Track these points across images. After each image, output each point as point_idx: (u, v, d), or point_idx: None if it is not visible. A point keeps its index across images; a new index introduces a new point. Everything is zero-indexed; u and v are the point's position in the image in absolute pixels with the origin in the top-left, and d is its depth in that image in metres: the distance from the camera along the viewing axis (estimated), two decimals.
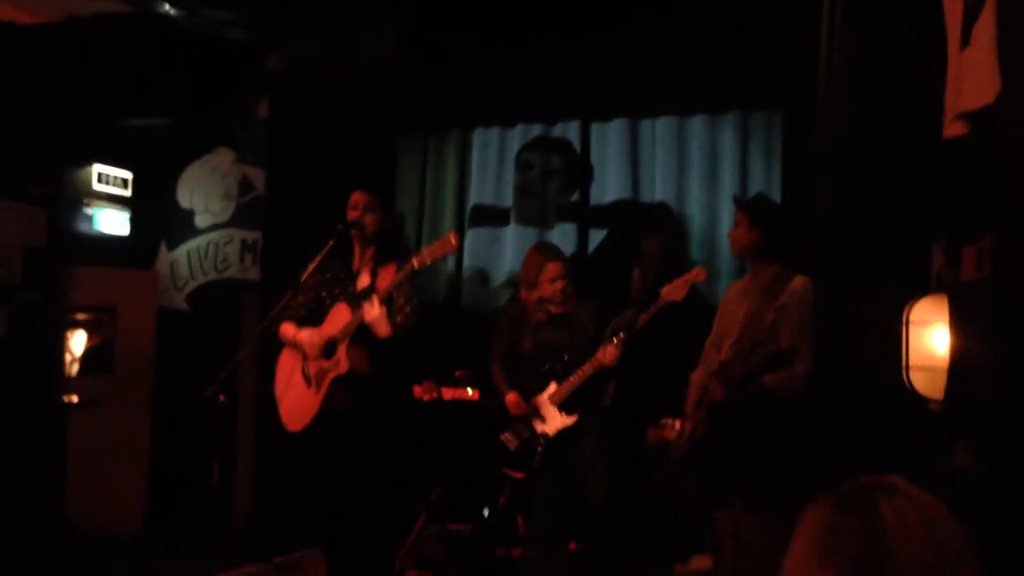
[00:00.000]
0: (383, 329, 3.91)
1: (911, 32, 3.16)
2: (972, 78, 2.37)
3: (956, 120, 2.48)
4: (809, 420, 3.74)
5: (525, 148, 6.32)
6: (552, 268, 4.55)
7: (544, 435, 4.51)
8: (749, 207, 4.27)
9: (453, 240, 3.85)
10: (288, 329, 4.20)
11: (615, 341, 4.35)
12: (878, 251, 3.22)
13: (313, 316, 4.22)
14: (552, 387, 4.53)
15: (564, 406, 4.49)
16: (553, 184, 6.23)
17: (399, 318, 4.00)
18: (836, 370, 3.60)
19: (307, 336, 4.10)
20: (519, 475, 4.56)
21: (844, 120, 3.48)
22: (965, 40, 2.46)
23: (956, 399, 2.49)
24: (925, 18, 2.87)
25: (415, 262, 3.86)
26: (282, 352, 4.29)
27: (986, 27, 2.34)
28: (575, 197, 6.19)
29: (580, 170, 6.16)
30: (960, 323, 2.47)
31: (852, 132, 3.40)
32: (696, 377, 4.31)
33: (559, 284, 4.53)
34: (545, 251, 4.72)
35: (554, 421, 4.49)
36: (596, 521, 4.43)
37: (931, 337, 2.67)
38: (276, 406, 4.25)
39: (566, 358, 4.53)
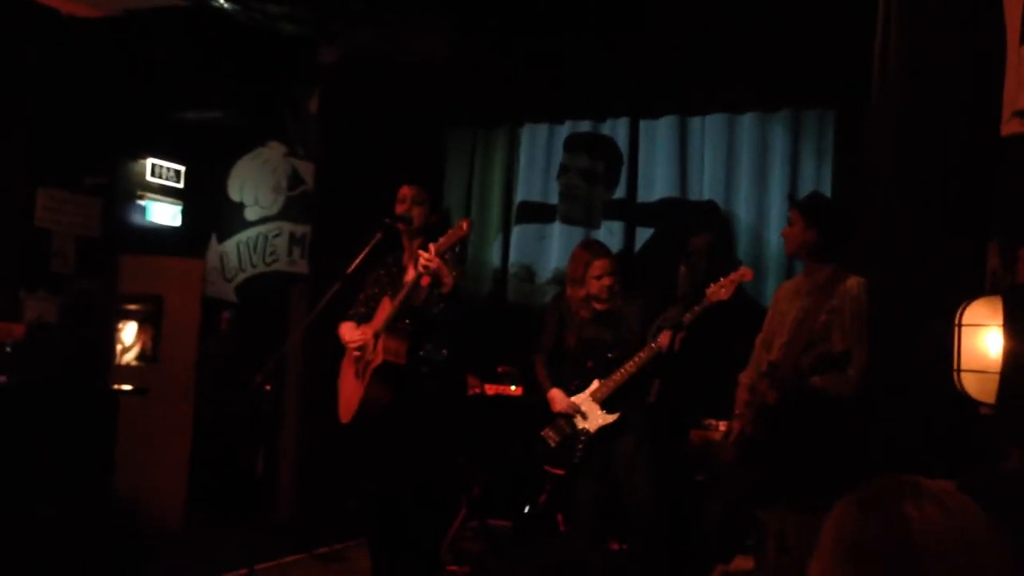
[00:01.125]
0: (447, 278, 3.91)
1: (968, 28, 3.09)
2: None
3: (1014, 117, 2.42)
4: (859, 421, 3.69)
5: (567, 150, 6.30)
6: (599, 265, 4.52)
7: (585, 432, 4.49)
8: (804, 206, 4.20)
9: (465, 226, 3.91)
10: (344, 329, 4.25)
11: (659, 340, 4.33)
12: (931, 252, 3.15)
13: (370, 314, 4.27)
14: (595, 384, 4.51)
15: (606, 404, 4.47)
16: (597, 186, 6.21)
17: (444, 290, 4.00)
18: (887, 372, 3.54)
19: (358, 335, 4.15)
20: (559, 471, 4.55)
21: (898, 118, 3.41)
22: None
23: (1009, 403, 2.43)
24: (984, 14, 2.81)
25: (432, 248, 3.90)
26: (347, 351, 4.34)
27: None
28: (622, 195, 6.16)
29: (624, 168, 6.13)
30: (1015, 325, 2.41)
31: (906, 130, 3.34)
32: (745, 377, 4.26)
33: (606, 281, 4.50)
34: (591, 248, 4.69)
35: (595, 418, 4.47)
36: (637, 520, 4.40)
37: (984, 340, 2.61)
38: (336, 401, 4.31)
39: (609, 356, 4.50)
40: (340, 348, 4.28)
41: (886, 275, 3.54)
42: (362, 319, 4.26)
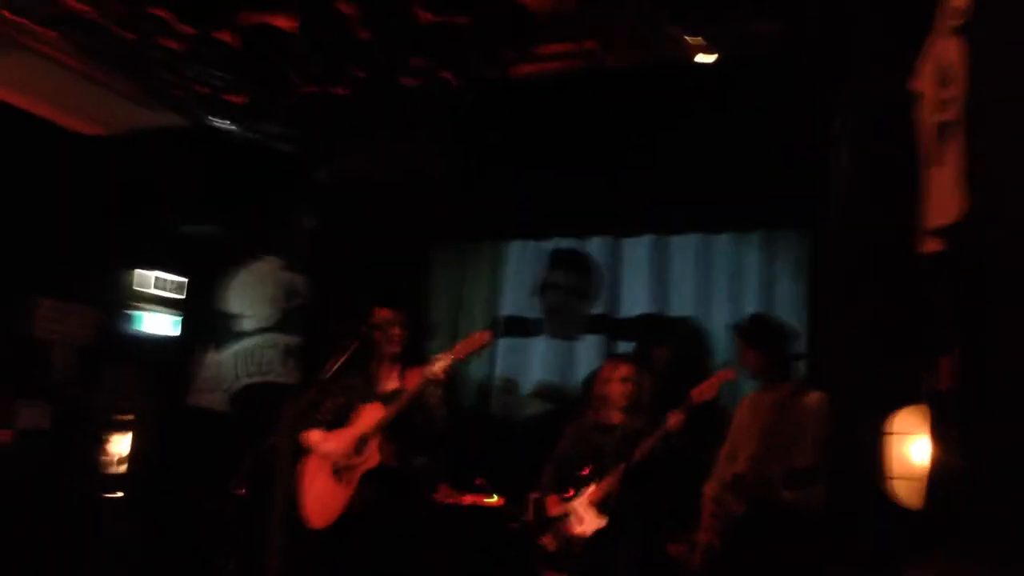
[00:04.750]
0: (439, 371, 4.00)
1: (905, 153, 3.27)
2: (941, 195, 2.46)
3: (931, 236, 2.56)
4: (823, 534, 3.73)
5: (551, 267, 6.47)
6: (624, 368, 4.78)
7: (581, 536, 4.56)
8: (745, 332, 4.35)
9: (487, 337, 4.10)
10: (314, 436, 4.31)
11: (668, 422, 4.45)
12: (874, 365, 3.26)
13: (340, 420, 4.33)
14: (591, 488, 4.62)
15: (600, 507, 4.54)
16: (579, 302, 6.36)
17: (432, 419, 4.10)
18: (843, 483, 3.61)
19: (334, 443, 4.21)
20: None
21: (844, 240, 3.57)
22: (939, 160, 2.57)
23: (935, 509, 2.50)
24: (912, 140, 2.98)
25: (450, 356, 4.01)
26: (306, 456, 4.38)
27: (955, 147, 2.45)
28: (602, 310, 6.29)
29: (604, 284, 6.29)
30: (937, 432, 2.50)
31: (850, 251, 3.49)
32: (709, 489, 4.32)
33: (629, 385, 4.70)
34: (618, 357, 5.07)
35: (591, 522, 4.55)
36: None
37: (911, 447, 2.70)
38: (297, 506, 4.32)
39: (603, 461, 4.59)
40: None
41: (837, 390, 3.65)
42: (330, 426, 4.33)
